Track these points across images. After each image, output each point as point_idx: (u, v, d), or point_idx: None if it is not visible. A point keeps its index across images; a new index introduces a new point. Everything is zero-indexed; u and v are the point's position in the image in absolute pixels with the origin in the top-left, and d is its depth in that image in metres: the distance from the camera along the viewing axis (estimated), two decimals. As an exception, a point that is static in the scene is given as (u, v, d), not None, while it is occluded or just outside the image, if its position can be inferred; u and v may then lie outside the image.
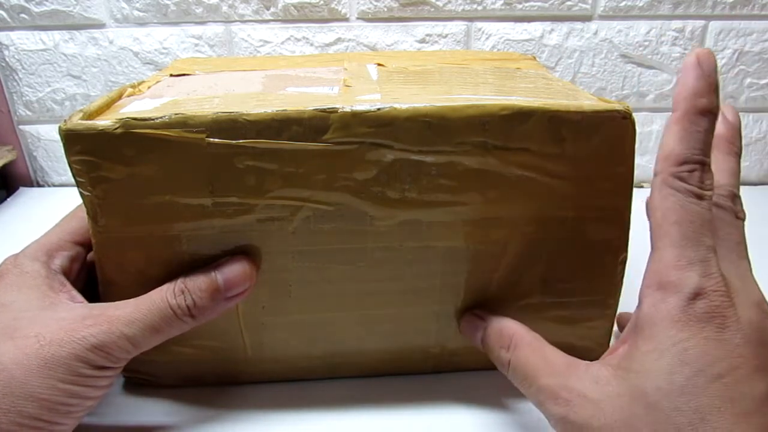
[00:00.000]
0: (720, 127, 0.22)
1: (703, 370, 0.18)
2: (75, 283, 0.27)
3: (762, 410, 0.18)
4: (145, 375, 0.31)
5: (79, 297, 0.26)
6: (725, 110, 0.23)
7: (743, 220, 0.22)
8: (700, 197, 0.20)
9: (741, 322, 0.19)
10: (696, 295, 0.19)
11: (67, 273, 0.27)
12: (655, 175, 0.21)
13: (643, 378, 0.19)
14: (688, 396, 0.18)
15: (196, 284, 0.26)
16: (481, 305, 0.29)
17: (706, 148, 0.20)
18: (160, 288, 0.26)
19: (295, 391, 0.31)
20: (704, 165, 0.20)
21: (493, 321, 0.27)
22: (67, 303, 0.25)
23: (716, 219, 0.21)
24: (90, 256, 0.29)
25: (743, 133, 0.60)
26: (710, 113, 0.20)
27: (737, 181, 0.22)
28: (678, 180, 0.20)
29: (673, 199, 0.20)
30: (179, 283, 0.26)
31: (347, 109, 0.25)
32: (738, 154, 0.23)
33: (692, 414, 0.18)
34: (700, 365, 0.18)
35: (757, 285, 0.21)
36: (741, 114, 0.62)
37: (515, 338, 0.25)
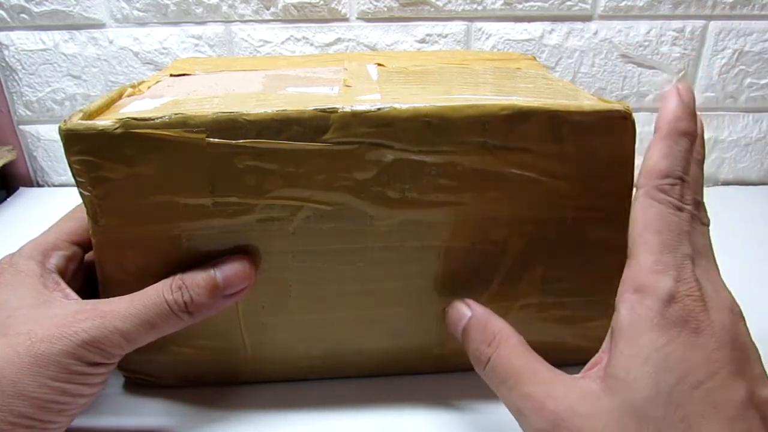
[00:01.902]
0: None
1: (685, 377, 0.19)
2: (71, 283, 0.27)
3: (744, 414, 0.18)
4: (145, 375, 0.31)
5: (74, 295, 0.26)
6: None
7: (708, 225, 0.23)
8: (679, 209, 0.21)
9: (714, 326, 0.19)
10: (670, 299, 0.20)
11: (62, 272, 0.27)
12: (638, 188, 0.22)
13: (630, 388, 0.19)
14: (674, 405, 0.18)
15: (195, 281, 0.26)
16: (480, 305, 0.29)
17: (686, 166, 0.22)
18: (156, 284, 0.26)
19: (295, 391, 0.31)
20: (684, 181, 0.21)
21: (478, 312, 0.26)
22: (60, 300, 0.25)
23: None
24: (89, 256, 0.29)
25: (743, 133, 0.60)
26: (690, 135, 0.22)
27: (700, 188, 0.23)
28: (660, 192, 0.21)
29: (654, 210, 0.21)
30: (177, 279, 0.26)
31: (347, 109, 0.25)
32: (701, 162, 0.23)
33: (680, 423, 0.18)
34: (681, 372, 0.19)
35: (727, 289, 0.21)
36: (741, 114, 0.62)
37: (500, 336, 0.24)
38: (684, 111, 0.22)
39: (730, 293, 0.21)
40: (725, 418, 0.18)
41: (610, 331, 0.22)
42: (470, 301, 0.27)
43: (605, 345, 0.22)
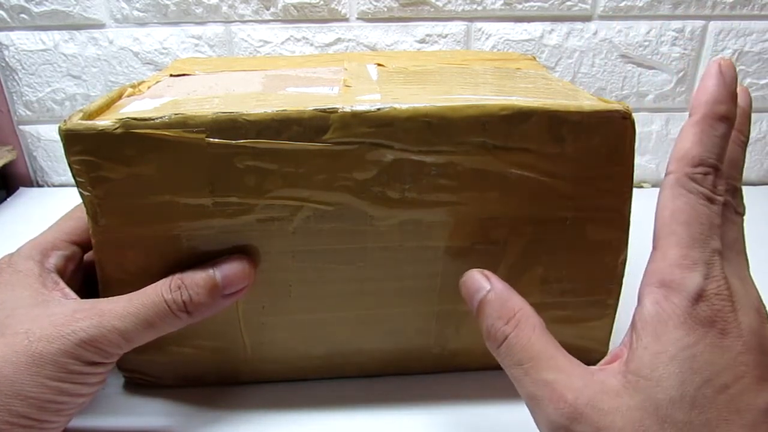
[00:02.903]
0: None
1: (711, 380, 0.18)
2: (70, 283, 0.27)
3: (766, 423, 0.18)
4: (145, 375, 0.31)
5: (73, 295, 0.26)
6: (739, 93, 0.22)
7: (742, 215, 0.21)
8: (711, 201, 0.20)
9: (741, 329, 0.19)
10: (699, 297, 0.19)
11: (61, 272, 0.27)
12: (668, 174, 0.21)
13: (654, 387, 0.19)
14: (698, 409, 0.18)
15: (194, 280, 0.26)
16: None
17: (721, 153, 0.20)
18: (155, 284, 0.26)
19: (295, 391, 0.31)
20: (718, 170, 0.20)
21: (498, 287, 0.24)
22: (59, 300, 0.25)
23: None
24: (88, 256, 0.29)
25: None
26: (728, 120, 0.20)
27: (739, 172, 0.22)
28: (691, 181, 0.20)
29: (685, 199, 0.20)
30: (176, 279, 0.26)
31: (347, 109, 0.25)
32: (744, 143, 0.22)
33: (702, 427, 0.18)
34: (707, 374, 0.18)
35: (755, 286, 0.20)
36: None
37: (520, 315, 0.23)
38: (724, 92, 0.20)
39: (757, 291, 0.20)
40: (748, 424, 0.18)
41: (631, 325, 0.21)
42: (489, 273, 0.25)
43: (625, 339, 0.21)
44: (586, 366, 0.21)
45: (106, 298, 0.25)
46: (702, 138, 0.20)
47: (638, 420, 0.18)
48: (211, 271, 0.26)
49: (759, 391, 0.18)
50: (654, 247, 0.21)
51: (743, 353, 0.18)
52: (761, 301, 0.20)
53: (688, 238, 0.20)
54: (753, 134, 0.60)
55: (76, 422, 0.26)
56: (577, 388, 0.20)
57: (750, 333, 0.19)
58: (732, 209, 0.21)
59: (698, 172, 0.20)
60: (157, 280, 0.26)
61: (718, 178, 0.20)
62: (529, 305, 0.24)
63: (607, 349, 0.32)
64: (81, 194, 0.26)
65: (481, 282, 0.25)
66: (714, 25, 0.56)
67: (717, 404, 0.18)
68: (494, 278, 0.25)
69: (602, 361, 0.22)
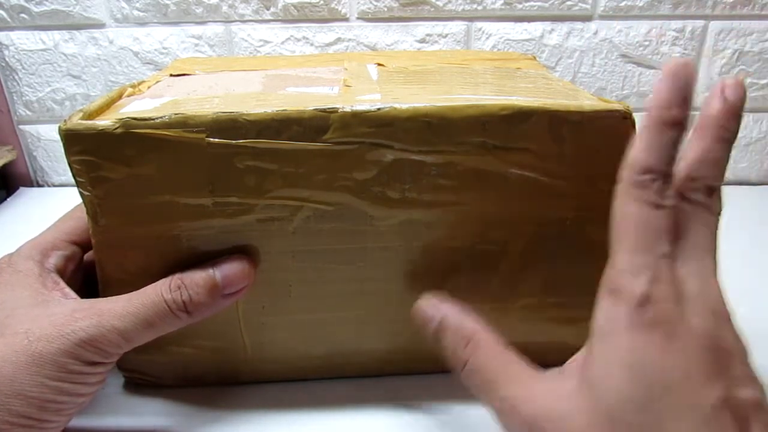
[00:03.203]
0: (714, 105, 0.21)
1: (658, 381, 0.19)
2: (70, 283, 0.27)
3: (717, 416, 0.18)
4: (144, 375, 0.31)
5: (73, 294, 0.26)
6: (727, 87, 0.21)
7: (718, 214, 0.21)
8: (658, 206, 0.20)
9: (690, 329, 0.19)
10: (644, 302, 0.19)
11: (61, 272, 0.27)
12: (619, 181, 0.21)
13: (606, 391, 0.19)
14: (646, 412, 0.19)
15: (194, 280, 0.26)
16: (481, 305, 0.29)
17: (670, 159, 0.20)
18: (155, 283, 0.26)
19: (295, 391, 0.31)
20: (666, 176, 0.20)
21: (449, 315, 0.25)
22: (59, 300, 0.25)
23: (684, 216, 0.21)
24: (88, 256, 0.29)
25: (743, 132, 0.59)
26: (679, 125, 0.20)
27: (720, 171, 0.21)
28: (638, 188, 0.20)
29: (631, 207, 0.20)
30: (176, 279, 0.26)
31: (347, 109, 0.25)
32: (729, 141, 0.21)
33: (653, 426, 0.18)
34: (653, 377, 0.19)
35: (717, 289, 0.20)
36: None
37: (477, 337, 0.24)
38: (675, 96, 0.20)
39: (718, 293, 0.20)
40: (697, 421, 0.18)
41: (591, 329, 0.22)
42: (438, 300, 0.26)
43: (588, 341, 0.22)
44: (545, 374, 0.22)
45: (105, 298, 0.25)
46: (650, 144, 0.20)
47: (591, 422, 0.19)
48: (211, 271, 0.26)
49: (706, 388, 0.18)
50: (610, 254, 0.21)
51: (689, 353, 0.19)
52: (721, 302, 0.20)
53: (634, 244, 0.20)
54: (753, 134, 0.60)
55: (76, 422, 0.26)
56: (533, 400, 0.21)
57: (702, 334, 0.19)
58: (704, 209, 0.21)
59: (645, 179, 0.20)
60: (157, 280, 0.26)
61: (666, 184, 0.20)
62: (482, 324, 0.24)
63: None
64: (81, 194, 0.26)
65: (430, 311, 0.25)
66: (714, 25, 0.56)
67: (663, 405, 0.18)
68: (443, 304, 0.25)
69: (570, 360, 0.23)
